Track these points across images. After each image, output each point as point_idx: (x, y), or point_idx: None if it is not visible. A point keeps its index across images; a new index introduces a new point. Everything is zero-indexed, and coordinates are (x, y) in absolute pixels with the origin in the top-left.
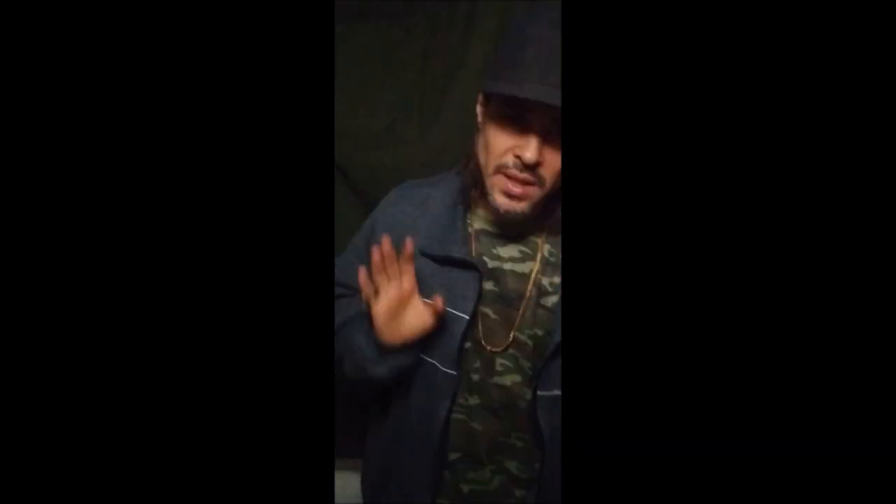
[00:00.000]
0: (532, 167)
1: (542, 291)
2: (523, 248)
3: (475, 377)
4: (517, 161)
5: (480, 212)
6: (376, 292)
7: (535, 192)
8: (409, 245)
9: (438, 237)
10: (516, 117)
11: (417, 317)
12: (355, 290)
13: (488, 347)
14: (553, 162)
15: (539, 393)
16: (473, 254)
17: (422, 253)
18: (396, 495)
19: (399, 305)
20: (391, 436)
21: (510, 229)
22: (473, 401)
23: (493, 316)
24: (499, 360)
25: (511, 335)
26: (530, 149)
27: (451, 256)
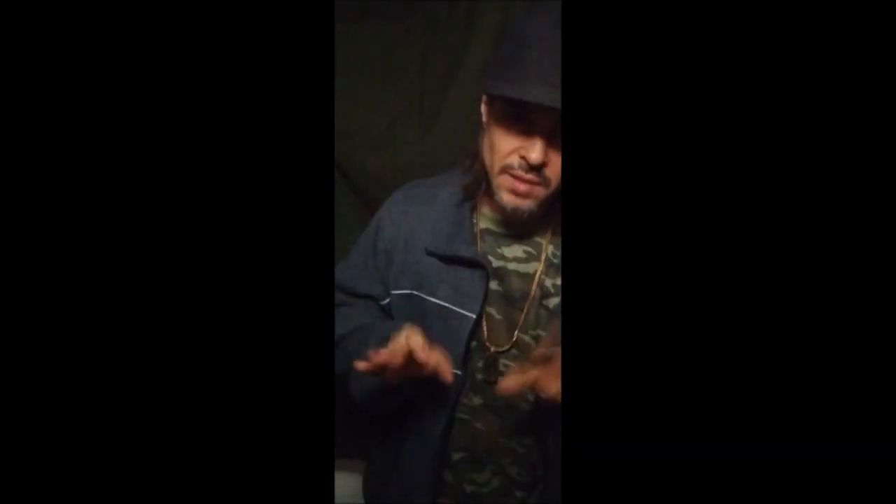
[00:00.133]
0: (537, 168)
1: (545, 293)
2: (528, 249)
3: (479, 376)
4: (522, 162)
5: (486, 211)
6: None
7: (540, 192)
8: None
9: (445, 236)
10: (520, 118)
11: (415, 371)
12: (358, 297)
13: (492, 348)
14: (558, 162)
15: (541, 395)
16: (479, 253)
17: (428, 252)
18: (397, 495)
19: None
20: (394, 435)
21: (516, 228)
22: (477, 400)
23: (496, 316)
24: (501, 361)
25: (515, 336)
26: (535, 150)
27: (458, 255)
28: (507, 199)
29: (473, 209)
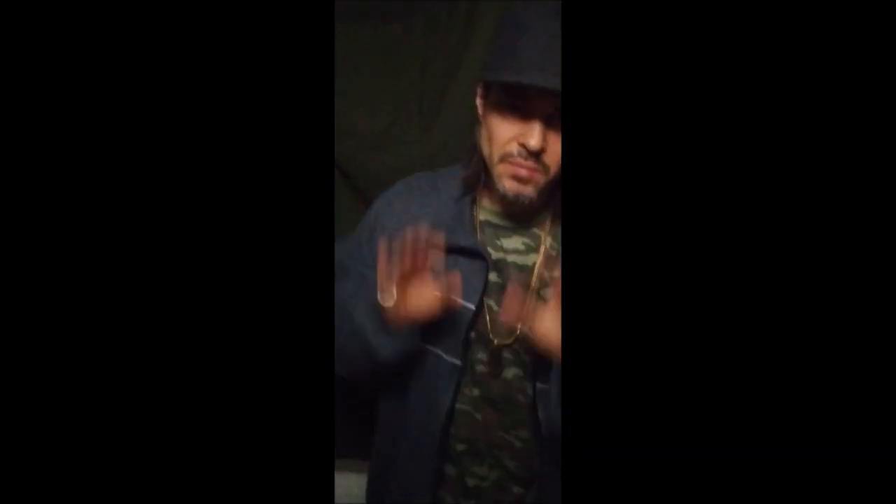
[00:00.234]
0: (536, 154)
1: (543, 284)
2: (526, 241)
3: (479, 368)
4: (521, 149)
5: (485, 204)
6: (390, 274)
7: (540, 179)
8: (439, 239)
9: (446, 227)
10: (518, 106)
11: (424, 300)
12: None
13: (495, 340)
14: (556, 149)
15: (539, 386)
16: (479, 243)
17: None
18: (398, 487)
19: (410, 279)
20: (395, 429)
21: (515, 219)
22: (475, 392)
23: (496, 308)
24: (504, 354)
25: (518, 329)
26: (534, 136)
27: (459, 245)
28: (509, 185)
29: (473, 202)
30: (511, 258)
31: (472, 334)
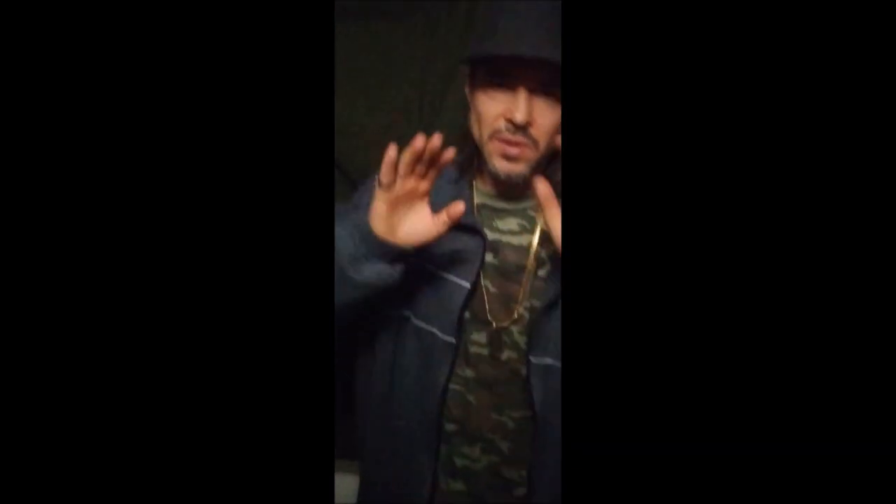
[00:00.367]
0: (523, 128)
1: (540, 263)
2: (522, 222)
3: (475, 350)
4: (509, 124)
5: (480, 186)
6: (392, 182)
7: (530, 154)
8: (451, 152)
9: (444, 207)
10: (502, 83)
11: (419, 221)
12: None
13: (494, 323)
14: (543, 122)
15: (533, 361)
16: (477, 221)
17: None
18: (396, 472)
19: (406, 202)
20: (389, 415)
21: (511, 198)
22: (470, 373)
23: (492, 290)
24: (503, 337)
25: (516, 311)
26: (520, 110)
27: (459, 222)
28: (500, 165)
29: (470, 185)
30: (507, 239)
31: (467, 314)
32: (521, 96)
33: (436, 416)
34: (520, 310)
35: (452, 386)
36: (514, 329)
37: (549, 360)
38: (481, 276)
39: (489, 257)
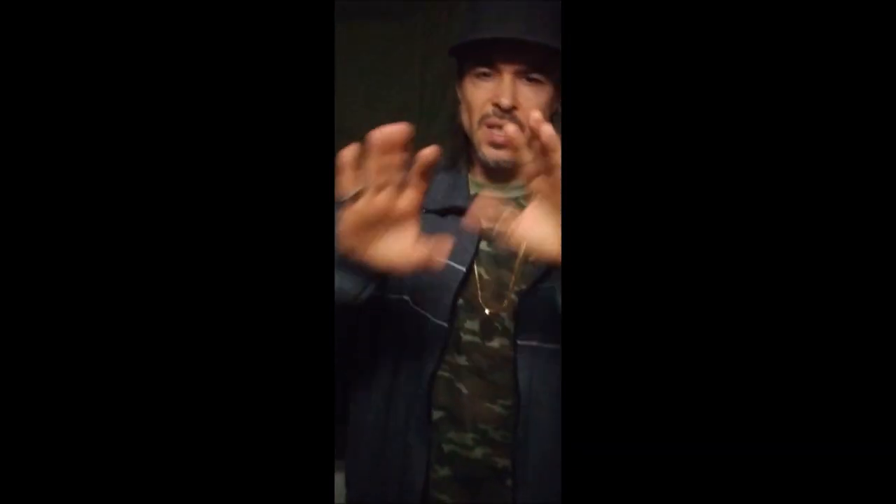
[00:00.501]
0: (510, 111)
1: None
2: (514, 210)
3: (467, 338)
4: (496, 108)
5: (471, 176)
6: (360, 192)
7: (518, 139)
8: (432, 152)
9: (442, 194)
10: (488, 72)
11: (397, 243)
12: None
13: (487, 310)
14: (528, 106)
15: (519, 343)
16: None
17: (425, 210)
18: (388, 466)
19: (384, 218)
20: (380, 397)
21: (501, 180)
22: (462, 361)
23: (486, 277)
24: (495, 324)
25: (506, 297)
26: (505, 94)
27: (455, 205)
28: (489, 152)
29: (468, 170)
30: (500, 226)
31: (461, 301)
32: (506, 80)
33: (426, 403)
34: (511, 296)
35: (441, 373)
36: (505, 316)
37: (535, 342)
38: (475, 263)
39: (484, 245)
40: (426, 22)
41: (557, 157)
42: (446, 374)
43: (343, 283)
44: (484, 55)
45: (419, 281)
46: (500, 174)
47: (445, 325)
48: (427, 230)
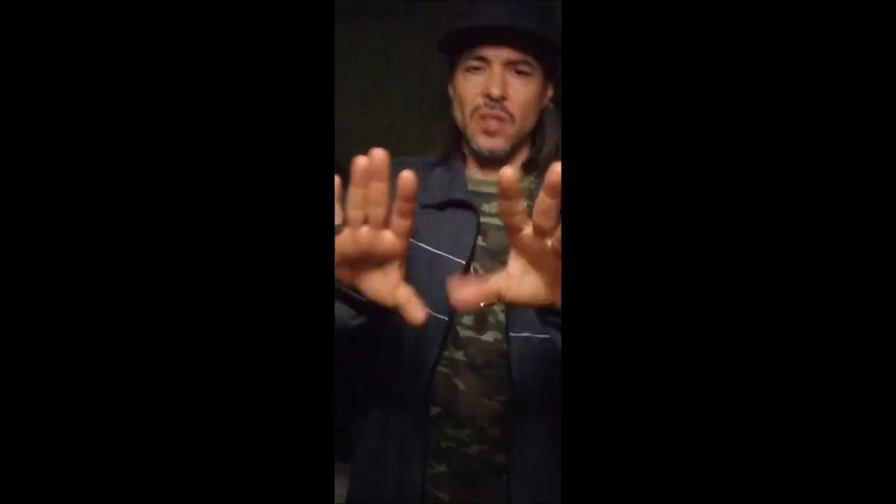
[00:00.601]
0: (500, 101)
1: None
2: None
3: (463, 332)
4: (486, 98)
5: (467, 172)
6: (345, 221)
7: (509, 129)
8: (409, 177)
9: (439, 189)
10: (477, 66)
11: (381, 283)
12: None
13: (481, 304)
14: (517, 98)
15: (512, 335)
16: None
17: (423, 206)
18: (389, 465)
19: (367, 256)
20: (379, 395)
21: (495, 169)
22: (459, 356)
23: (481, 271)
24: (488, 318)
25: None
26: (494, 83)
27: (453, 199)
28: (482, 142)
29: (462, 166)
30: (494, 221)
31: None
32: (496, 71)
33: (424, 398)
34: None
35: (440, 368)
36: (498, 310)
37: (527, 333)
38: (473, 257)
39: (480, 240)
40: (426, 22)
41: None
42: (444, 370)
43: (339, 311)
44: (473, 46)
45: (419, 276)
46: (495, 165)
47: (446, 318)
48: (426, 224)
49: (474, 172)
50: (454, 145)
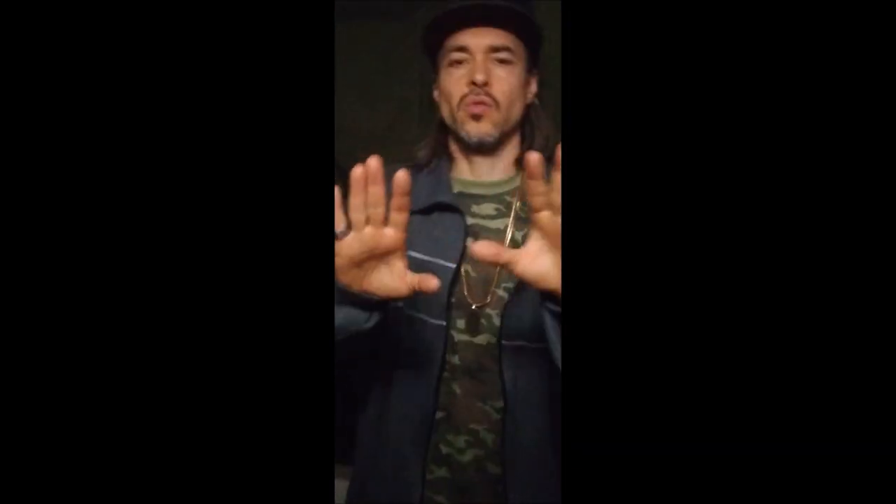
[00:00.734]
0: (483, 86)
1: (515, 245)
2: (498, 206)
3: (458, 337)
4: (472, 86)
5: (455, 175)
6: (349, 225)
7: (495, 115)
8: (404, 176)
9: (425, 193)
10: (460, 59)
11: (389, 275)
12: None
13: (473, 305)
14: (500, 86)
15: (504, 343)
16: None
17: (410, 212)
18: (389, 468)
19: (372, 254)
20: (379, 398)
21: (484, 160)
22: (455, 360)
23: (472, 273)
24: (481, 319)
25: (491, 291)
26: (478, 70)
27: (439, 202)
28: (471, 128)
29: (448, 169)
30: (484, 223)
31: (453, 300)
32: (479, 59)
33: (431, 404)
34: (499, 292)
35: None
36: (492, 312)
37: (520, 342)
38: (462, 260)
39: (469, 242)
40: (426, 22)
41: (558, 198)
42: (445, 374)
43: (348, 315)
44: (453, 34)
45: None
46: (484, 157)
47: (444, 323)
48: (414, 230)
49: (462, 172)
50: (441, 146)
